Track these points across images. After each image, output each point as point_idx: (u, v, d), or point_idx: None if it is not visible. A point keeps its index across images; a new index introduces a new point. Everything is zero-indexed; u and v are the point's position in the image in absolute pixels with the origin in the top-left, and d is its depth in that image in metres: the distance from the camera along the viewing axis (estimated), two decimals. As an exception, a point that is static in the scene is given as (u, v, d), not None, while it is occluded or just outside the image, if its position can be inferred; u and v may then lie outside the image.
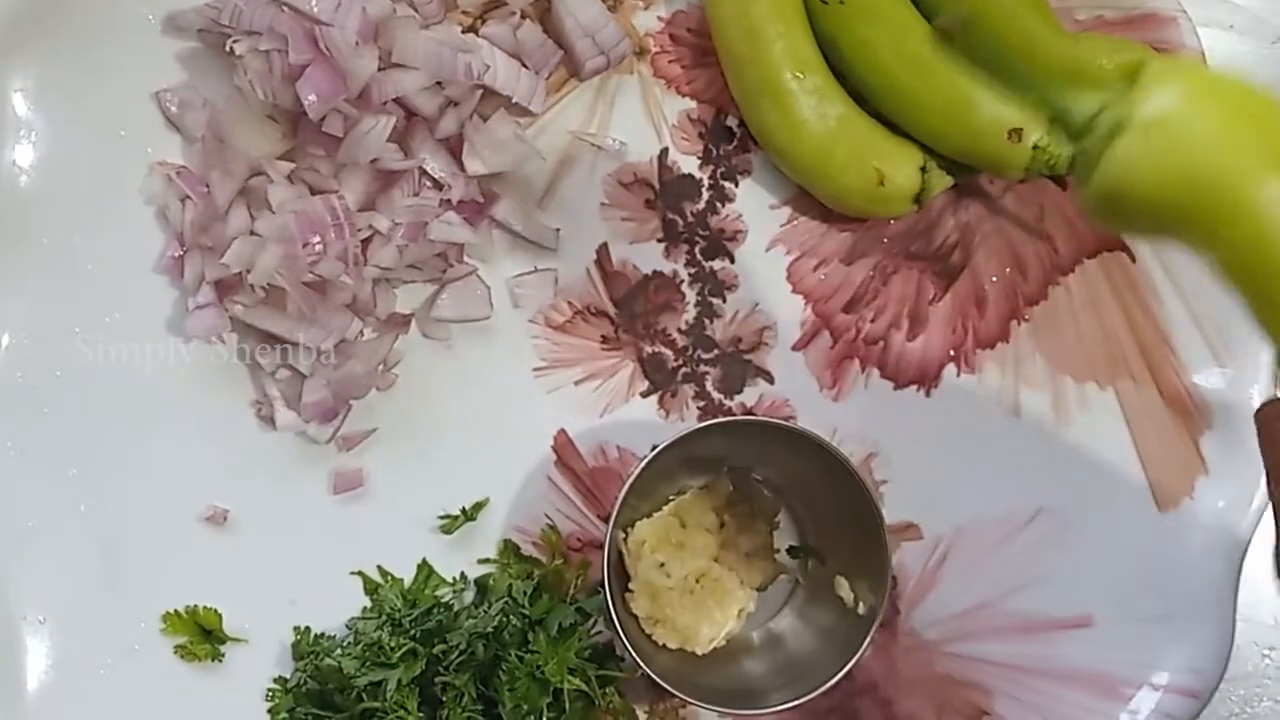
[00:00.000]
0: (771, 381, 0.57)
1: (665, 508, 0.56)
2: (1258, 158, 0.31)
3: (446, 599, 0.55)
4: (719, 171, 0.58)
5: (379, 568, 0.56)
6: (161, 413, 0.56)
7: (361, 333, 0.54)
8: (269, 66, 0.51)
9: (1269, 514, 0.55)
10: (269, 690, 0.55)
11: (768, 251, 0.58)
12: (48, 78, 0.56)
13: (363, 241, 0.53)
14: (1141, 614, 0.56)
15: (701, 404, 0.57)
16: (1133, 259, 0.57)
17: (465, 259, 0.56)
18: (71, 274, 0.55)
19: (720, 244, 0.57)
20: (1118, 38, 0.54)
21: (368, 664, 0.52)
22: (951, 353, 0.58)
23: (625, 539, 0.55)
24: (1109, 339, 0.57)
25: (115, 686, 0.55)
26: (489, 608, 0.54)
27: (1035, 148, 0.52)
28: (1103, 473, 0.57)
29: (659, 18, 0.58)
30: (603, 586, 0.52)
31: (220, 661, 0.55)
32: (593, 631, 0.54)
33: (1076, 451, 0.57)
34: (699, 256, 0.57)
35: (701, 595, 0.55)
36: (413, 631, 0.53)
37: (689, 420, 0.57)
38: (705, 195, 0.58)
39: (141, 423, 0.56)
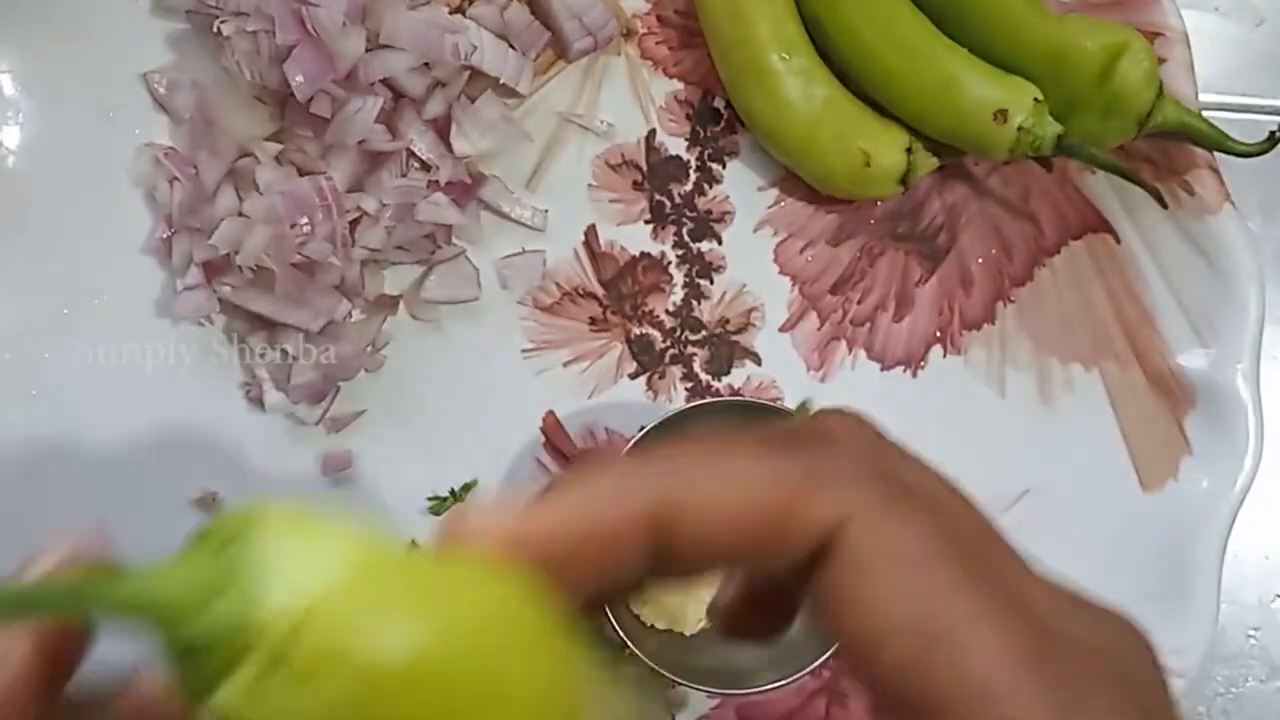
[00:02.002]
0: (759, 363, 0.58)
1: (653, 489, 0.56)
2: None
3: (435, 580, 0.55)
4: (706, 153, 0.58)
5: (368, 549, 0.56)
6: (150, 395, 0.56)
7: (350, 314, 0.54)
8: (256, 47, 0.51)
9: (1253, 494, 0.55)
10: (258, 671, 0.55)
11: (755, 233, 0.58)
12: (35, 59, 0.56)
13: (351, 223, 0.53)
14: (1126, 594, 0.56)
15: (689, 385, 0.57)
16: (1117, 240, 0.58)
17: (453, 240, 0.56)
18: (59, 255, 0.55)
19: (708, 225, 0.58)
20: (1102, 19, 0.54)
21: (356, 644, 0.52)
22: (938, 334, 0.58)
23: (613, 519, 0.55)
24: (1094, 320, 0.58)
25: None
26: (477, 588, 0.54)
27: (1020, 129, 0.52)
28: (1088, 453, 0.57)
29: (646, -1, 0.58)
30: (591, 566, 0.52)
31: (209, 642, 0.55)
32: (581, 611, 0.54)
33: (1062, 432, 0.58)
34: (686, 238, 0.58)
35: (689, 576, 0.55)
36: (401, 612, 0.53)
37: (677, 402, 0.57)
38: (693, 177, 0.58)
39: (130, 405, 0.56)
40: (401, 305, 0.56)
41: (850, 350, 0.58)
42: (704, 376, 0.57)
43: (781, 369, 0.57)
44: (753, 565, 0.25)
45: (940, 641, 0.24)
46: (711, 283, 0.58)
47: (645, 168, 0.58)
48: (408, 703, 0.21)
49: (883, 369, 0.58)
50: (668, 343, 0.57)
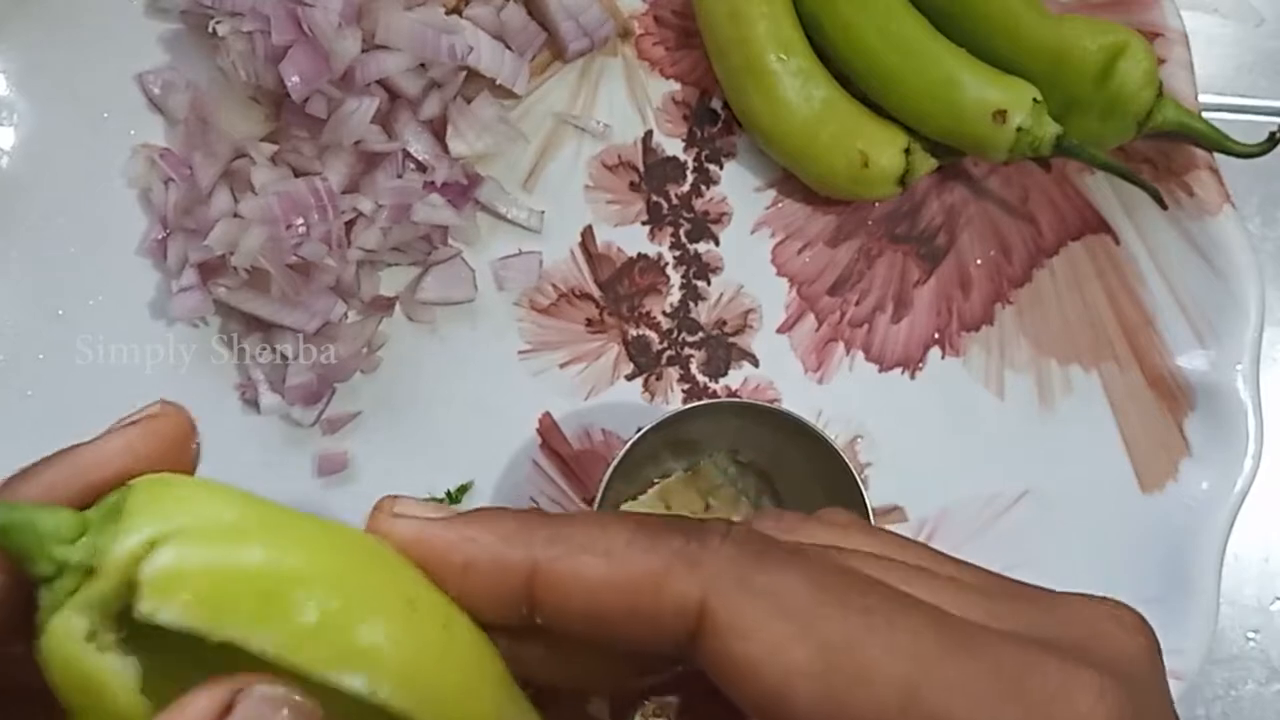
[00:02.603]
0: (756, 364, 0.57)
1: (650, 491, 0.56)
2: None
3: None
4: (703, 154, 0.58)
5: (364, 551, 0.56)
6: (145, 396, 0.55)
7: (345, 315, 0.54)
8: (252, 48, 0.51)
9: (1252, 496, 0.55)
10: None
11: (752, 234, 0.58)
12: (30, 60, 0.56)
13: (346, 224, 0.53)
14: (1125, 596, 0.55)
15: (686, 387, 0.57)
16: (1117, 241, 0.57)
17: (449, 241, 0.56)
18: (54, 256, 0.55)
19: (705, 226, 0.57)
20: (1101, 20, 0.54)
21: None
22: (936, 335, 0.58)
23: (610, 521, 0.55)
24: (1093, 321, 0.58)
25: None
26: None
27: (1019, 129, 0.52)
28: (1087, 455, 0.57)
29: (643, 0, 0.58)
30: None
31: (205, 645, 0.55)
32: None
33: (1061, 434, 0.57)
34: (683, 239, 0.57)
35: (686, 578, 0.55)
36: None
37: (674, 403, 0.57)
38: (690, 178, 0.58)
39: (126, 406, 0.55)
40: (397, 306, 0.56)
41: (848, 352, 0.57)
42: (701, 378, 0.57)
43: (779, 370, 0.57)
44: (632, 640, 0.26)
45: (841, 665, 0.24)
46: (709, 284, 0.57)
47: (642, 169, 0.57)
48: (253, 604, 0.23)
49: (881, 370, 0.58)
50: (665, 344, 0.57)
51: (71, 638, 0.23)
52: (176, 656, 0.24)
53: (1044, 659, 0.25)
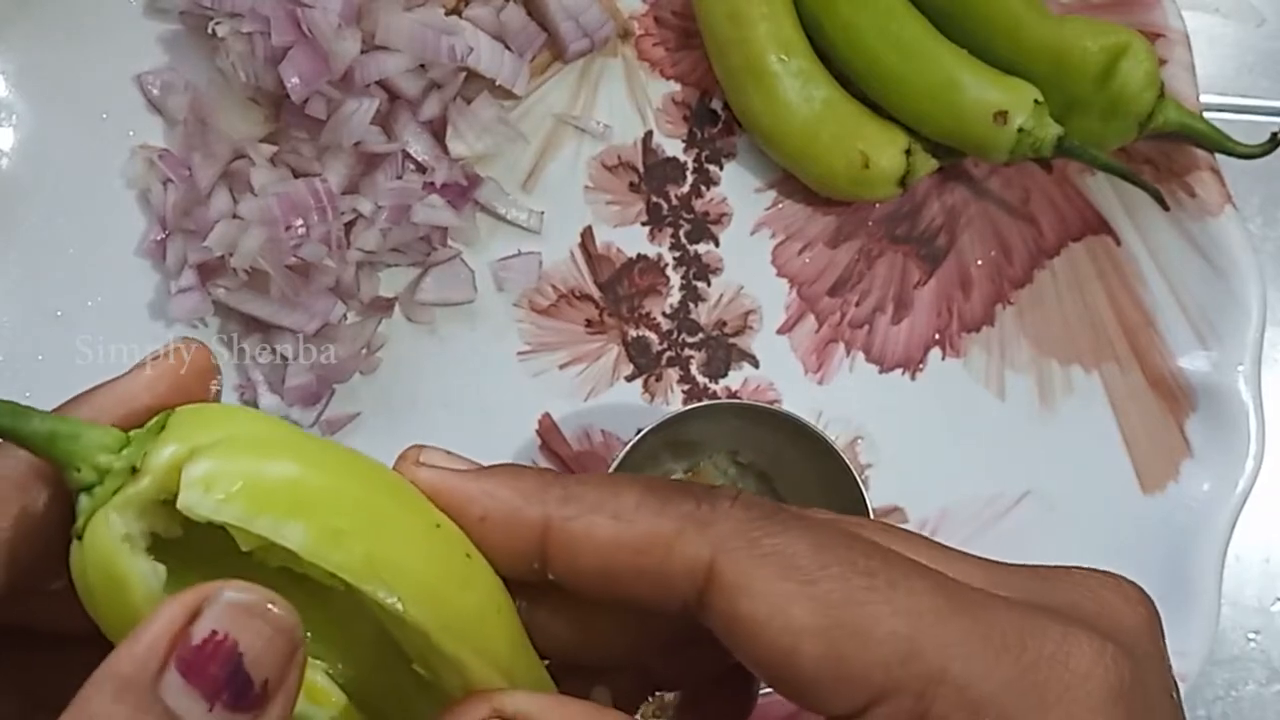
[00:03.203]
0: (756, 365, 0.57)
1: (650, 492, 0.56)
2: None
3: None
4: (703, 155, 0.58)
5: (363, 552, 0.56)
6: (145, 397, 0.55)
7: (345, 316, 0.54)
8: (251, 49, 0.51)
9: (1254, 497, 0.55)
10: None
11: (752, 235, 0.58)
12: (28, 60, 0.56)
13: (346, 225, 0.53)
14: None
15: (686, 388, 0.57)
16: (1118, 242, 0.57)
17: (449, 242, 0.56)
18: (53, 257, 0.55)
19: (705, 227, 0.57)
20: (1102, 21, 0.54)
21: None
22: (936, 336, 0.58)
23: (610, 523, 0.54)
24: (1094, 322, 0.58)
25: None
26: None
27: (1020, 130, 0.52)
28: (1088, 456, 0.57)
29: (643, 0, 0.58)
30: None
31: (204, 646, 0.55)
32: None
33: (1062, 435, 0.57)
34: (683, 240, 0.57)
35: (687, 579, 0.55)
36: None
37: (674, 404, 0.57)
38: (690, 178, 0.58)
39: (125, 407, 0.55)
40: (397, 307, 0.56)
41: (848, 353, 0.57)
42: (701, 379, 0.57)
43: (779, 371, 0.57)
44: (641, 600, 0.27)
45: (843, 624, 0.24)
46: (709, 285, 0.57)
47: (642, 169, 0.57)
48: (277, 509, 0.24)
49: (881, 371, 0.58)
50: (665, 345, 0.57)
51: (108, 536, 0.24)
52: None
53: (1044, 622, 0.25)
